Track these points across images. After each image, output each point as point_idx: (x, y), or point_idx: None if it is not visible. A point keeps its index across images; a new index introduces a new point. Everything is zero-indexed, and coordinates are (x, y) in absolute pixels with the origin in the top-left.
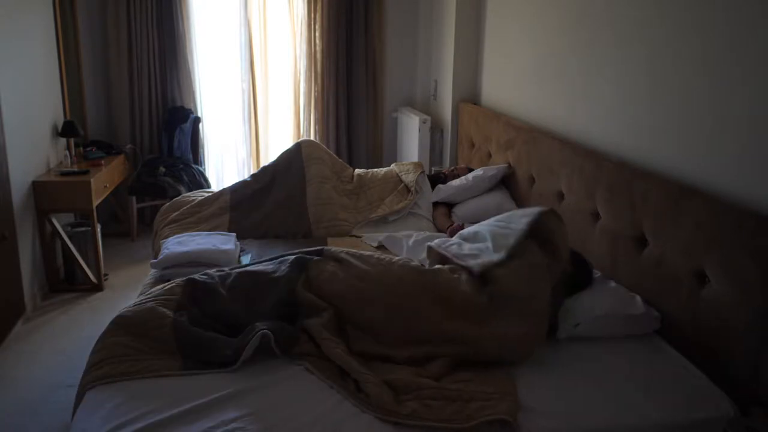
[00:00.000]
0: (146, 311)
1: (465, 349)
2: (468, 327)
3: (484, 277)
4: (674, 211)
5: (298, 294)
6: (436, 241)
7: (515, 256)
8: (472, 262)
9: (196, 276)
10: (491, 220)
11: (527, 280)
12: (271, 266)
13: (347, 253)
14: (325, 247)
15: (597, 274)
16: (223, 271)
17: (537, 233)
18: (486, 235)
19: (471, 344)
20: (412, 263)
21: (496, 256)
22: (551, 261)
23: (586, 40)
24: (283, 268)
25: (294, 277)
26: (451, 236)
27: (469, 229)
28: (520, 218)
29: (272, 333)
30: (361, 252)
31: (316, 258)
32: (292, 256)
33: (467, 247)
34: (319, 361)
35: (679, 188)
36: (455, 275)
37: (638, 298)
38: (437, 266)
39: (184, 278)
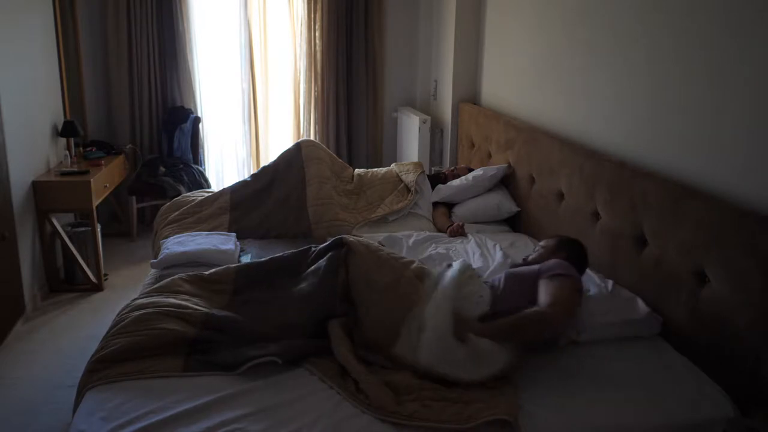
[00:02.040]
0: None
1: None
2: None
3: None
4: (674, 211)
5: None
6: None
7: None
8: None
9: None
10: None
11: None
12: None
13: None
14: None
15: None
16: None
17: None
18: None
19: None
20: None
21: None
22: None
23: (586, 39)
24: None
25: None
26: (452, 236)
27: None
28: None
29: (282, 354)
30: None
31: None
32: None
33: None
34: (320, 361)
35: (679, 188)
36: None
37: (640, 301)
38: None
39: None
